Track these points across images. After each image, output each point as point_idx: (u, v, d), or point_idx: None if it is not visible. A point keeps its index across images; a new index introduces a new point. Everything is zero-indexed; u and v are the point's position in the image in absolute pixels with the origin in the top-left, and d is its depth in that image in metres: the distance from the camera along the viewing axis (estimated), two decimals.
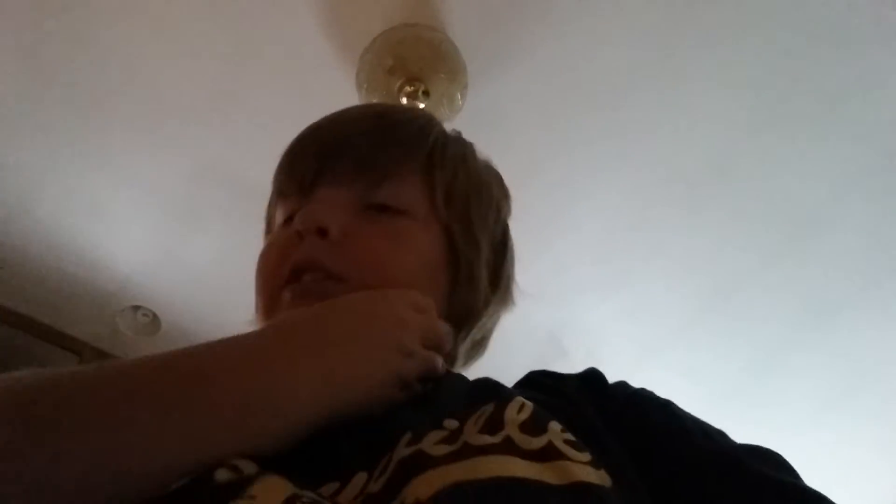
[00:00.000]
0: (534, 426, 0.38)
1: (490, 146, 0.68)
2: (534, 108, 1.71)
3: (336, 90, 1.61)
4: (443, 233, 0.57)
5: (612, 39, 1.58)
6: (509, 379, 0.52)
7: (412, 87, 1.56)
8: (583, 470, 0.36)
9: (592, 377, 0.51)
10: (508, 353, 0.72)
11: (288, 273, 0.52)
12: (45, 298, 2.14)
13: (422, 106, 1.56)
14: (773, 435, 2.33)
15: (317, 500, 0.34)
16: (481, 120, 1.66)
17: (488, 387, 0.47)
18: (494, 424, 0.38)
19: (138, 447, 0.34)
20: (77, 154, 1.81)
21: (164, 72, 1.65)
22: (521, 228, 0.69)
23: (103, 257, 2.05)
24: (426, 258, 0.55)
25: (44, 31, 1.57)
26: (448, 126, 0.64)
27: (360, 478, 0.37)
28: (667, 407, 0.48)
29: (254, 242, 0.61)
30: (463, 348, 0.60)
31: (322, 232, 0.52)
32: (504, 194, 0.67)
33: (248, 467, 0.35)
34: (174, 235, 2.01)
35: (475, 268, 0.58)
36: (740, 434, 0.45)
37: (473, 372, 0.63)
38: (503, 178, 0.68)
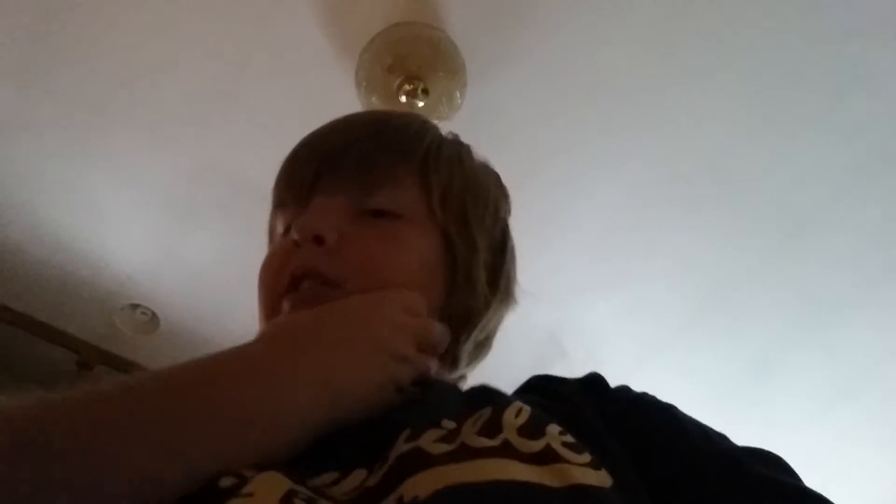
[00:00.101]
0: (532, 430, 0.38)
1: (489, 145, 0.68)
2: (533, 106, 1.70)
3: (335, 89, 1.61)
4: (440, 235, 0.57)
5: (612, 38, 1.58)
6: (509, 378, 0.52)
7: (411, 86, 1.56)
8: (582, 472, 0.36)
9: (594, 381, 0.52)
10: (508, 352, 0.72)
11: (287, 281, 0.52)
12: (44, 297, 2.14)
13: (421, 104, 1.56)
14: (772, 433, 2.34)
15: (313, 497, 0.34)
16: (480, 118, 1.66)
17: (485, 393, 0.47)
18: (493, 428, 0.38)
19: (141, 469, 0.34)
20: (77, 154, 1.81)
21: (164, 72, 1.65)
22: (521, 227, 0.69)
23: (103, 256, 2.05)
24: (423, 260, 0.56)
25: (44, 31, 1.57)
26: (447, 124, 0.65)
27: (360, 473, 0.37)
28: (668, 410, 0.48)
29: (253, 242, 0.61)
30: (465, 349, 0.60)
31: (318, 240, 0.52)
32: (502, 194, 0.67)
33: (252, 475, 0.35)
34: (174, 235, 2.01)
35: (472, 269, 0.58)
36: (740, 433, 0.46)
37: (474, 371, 0.63)
38: (502, 176, 0.68)
